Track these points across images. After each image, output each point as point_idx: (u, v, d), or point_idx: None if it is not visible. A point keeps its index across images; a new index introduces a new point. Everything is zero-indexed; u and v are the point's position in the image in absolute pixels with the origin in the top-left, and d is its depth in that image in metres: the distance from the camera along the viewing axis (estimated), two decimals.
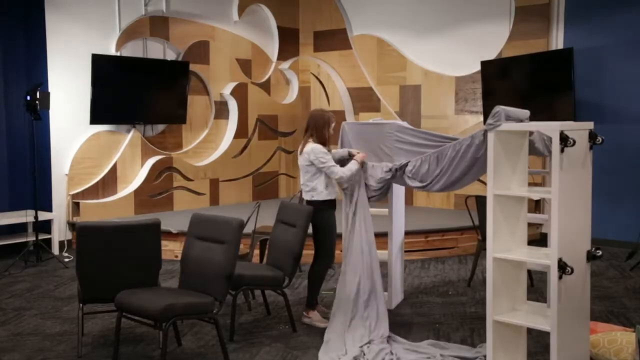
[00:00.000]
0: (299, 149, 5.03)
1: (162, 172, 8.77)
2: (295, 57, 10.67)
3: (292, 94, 10.66)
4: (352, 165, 4.86)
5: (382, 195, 5.06)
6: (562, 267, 3.60)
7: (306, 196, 4.99)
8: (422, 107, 9.53)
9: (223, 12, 9.66)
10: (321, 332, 4.84)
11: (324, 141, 4.95)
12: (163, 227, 4.69)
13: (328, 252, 5.06)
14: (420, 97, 9.53)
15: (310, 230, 4.98)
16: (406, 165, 4.70)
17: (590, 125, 3.82)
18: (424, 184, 4.60)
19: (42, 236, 7.31)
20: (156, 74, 8.66)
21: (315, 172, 4.90)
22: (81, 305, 4.45)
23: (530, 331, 4.21)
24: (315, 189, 4.91)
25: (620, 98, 7.82)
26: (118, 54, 8.40)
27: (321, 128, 4.96)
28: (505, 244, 3.96)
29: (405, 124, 5.14)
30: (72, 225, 7.86)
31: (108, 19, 8.32)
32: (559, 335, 3.66)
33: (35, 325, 5.06)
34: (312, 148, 4.89)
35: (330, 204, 4.98)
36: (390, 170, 4.80)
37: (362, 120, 9.15)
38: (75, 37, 8.01)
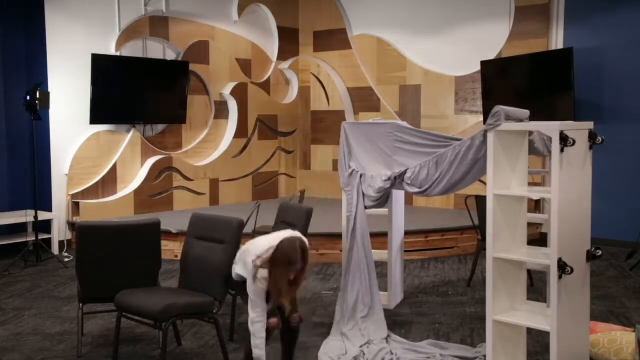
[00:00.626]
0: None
1: (162, 172, 8.77)
2: (295, 57, 10.67)
3: (292, 94, 10.66)
4: (259, 346, 3.80)
5: (381, 204, 5.03)
6: (562, 267, 3.60)
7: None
8: (422, 107, 9.53)
9: (223, 12, 9.66)
10: (321, 332, 4.84)
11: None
12: (163, 227, 4.69)
13: None
14: (420, 97, 9.53)
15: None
16: (405, 172, 4.67)
17: (590, 125, 3.82)
18: (423, 188, 4.57)
19: (42, 236, 7.31)
20: (156, 74, 8.66)
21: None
22: (81, 305, 4.45)
23: (530, 331, 4.21)
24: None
25: (620, 98, 7.82)
26: (118, 53, 8.40)
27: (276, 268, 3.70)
28: (505, 244, 3.95)
29: (405, 124, 5.13)
30: (72, 225, 7.86)
31: (108, 18, 8.32)
32: (559, 335, 3.66)
33: (35, 325, 5.06)
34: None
35: None
36: (389, 179, 4.77)
37: (362, 120, 9.15)
38: (75, 37, 8.01)
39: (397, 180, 4.75)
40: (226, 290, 4.17)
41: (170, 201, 8.90)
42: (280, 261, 3.65)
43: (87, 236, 4.40)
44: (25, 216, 7.39)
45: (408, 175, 4.64)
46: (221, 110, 9.64)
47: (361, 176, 4.93)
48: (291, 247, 3.69)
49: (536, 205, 8.26)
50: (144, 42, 8.75)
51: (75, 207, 7.98)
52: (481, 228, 5.93)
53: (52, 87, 7.73)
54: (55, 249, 7.60)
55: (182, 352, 4.46)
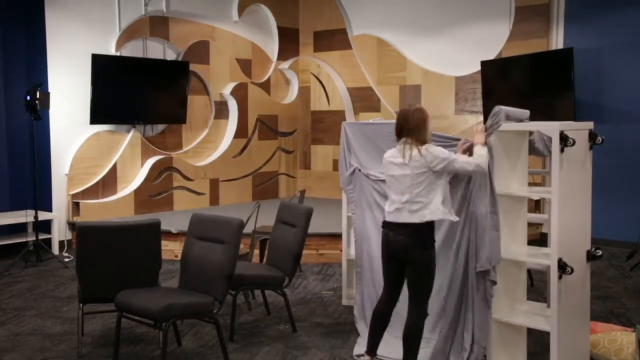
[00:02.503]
0: (402, 158, 3.79)
1: (162, 172, 8.77)
2: (295, 57, 10.67)
3: (292, 94, 10.66)
4: (480, 150, 3.82)
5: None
6: (562, 267, 3.60)
7: (412, 218, 3.74)
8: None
9: (223, 12, 9.66)
10: (321, 332, 4.84)
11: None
12: (163, 227, 4.69)
13: (425, 303, 3.85)
14: (420, 97, 9.53)
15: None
16: None
17: (590, 125, 3.83)
18: None
19: (42, 236, 7.31)
20: (156, 74, 8.66)
21: (431, 182, 3.73)
22: (81, 305, 4.45)
23: (530, 331, 4.21)
24: (428, 206, 3.71)
25: (620, 98, 7.82)
26: (118, 54, 8.40)
27: (417, 129, 3.83)
28: (505, 244, 3.95)
29: None
30: (72, 225, 7.86)
31: (108, 19, 8.32)
32: (559, 335, 3.66)
33: (35, 325, 5.06)
34: (425, 148, 3.76)
35: (432, 231, 3.82)
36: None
37: (362, 120, 9.15)
38: (75, 37, 8.01)
39: None
40: (226, 290, 4.17)
41: (170, 201, 8.90)
42: (412, 117, 3.88)
43: (87, 236, 4.40)
44: (25, 216, 7.39)
45: None
46: (221, 110, 9.64)
47: (366, 175, 4.93)
48: (404, 109, 3.99)
49: (536, 205, 8.26)
50: (144, 42, 8.75)
51: (75, 207, 7.98)
52: None
53: (52, 87, 7.73)
54: (55, 249, 7.60)
55: (182, 352, 4.46)
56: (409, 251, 3.77)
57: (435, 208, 3.71)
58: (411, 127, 3.81)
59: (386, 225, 3.88)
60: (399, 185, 3.80)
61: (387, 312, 3.99)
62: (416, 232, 3.74)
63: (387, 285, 4.00)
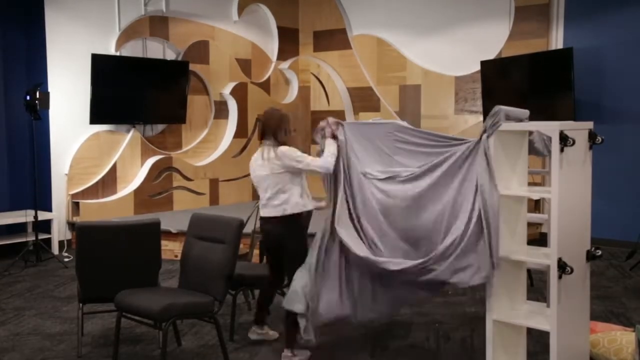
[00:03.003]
0: (262, 160, 4.32)
1: (162, 172, 8.77)
2: (295, 57, 10.66)
3: (292, 94, 10.66)
4: (331, 147, 4.24)
5: None
6: (562, 267, 3.60)
7: (275, 212, 4.27)
8: (422, 107, 9.53)
9: (223, 12, 9.66)
10: (321, 331, 4.82)
11: (283, 144, 4.34)
12: (163, 227, 4.70)
13: (288, 277, 4.34)
14: (420, 97, 9.53)
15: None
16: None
17: (590, 125, 3.82)
18: None
19: (42, 236, 7.31)
20: (156, 74, 8.66)
21: (288, 181, 4.29)
22: (81, 305, 4.46)
23: (530, 331, 4.21)
24: (288, 201, 4.26)
25: (620, 98, 7.82)
26: (118, 53, 8.40)
27: (275, 129, 4.34)
28: (505, 244, 3.95)
29: (405, 123, 5.12)
30: (72, 225, 7.86)
31: (108, 18, 8.33)
32: (559, 335, 3.66)
33: (35, 325, 5.06)
34: (282, 151, 4.28)
35: (306, 219, 4.35)
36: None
37: (362, 120, 9.15)
38: (75, 37, 8.01)
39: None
40: (226, 290, 4.17)
41: (170, 201, 8.90)
42: (272, 117, 4.42)
43: (87, 236, 4.40)
44: (25, 216, 7.39)
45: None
46: (221, 110, 9.64)
47: (364, 174, 4.91)
48: (270, 108, 4.58)
49: (536, 205, 8.26)
50: (143, 42, 8.75)
51: (75, 207, 7.98)
52: None
53: (52, 87, 7.73)
54: (55, 249, 7.60)
55: (182, 352, 4.46)
56: (281, 241, 4.30)
57: (295, 202, 4.25)
58: (271, 129, 4.34)
59: (261, 219, 4.41)
60: (263, 184, 4.31)
61: (272, 293, 4.63)
62: (282, 223, 4.26)
63: (270, 271, 4.55)
